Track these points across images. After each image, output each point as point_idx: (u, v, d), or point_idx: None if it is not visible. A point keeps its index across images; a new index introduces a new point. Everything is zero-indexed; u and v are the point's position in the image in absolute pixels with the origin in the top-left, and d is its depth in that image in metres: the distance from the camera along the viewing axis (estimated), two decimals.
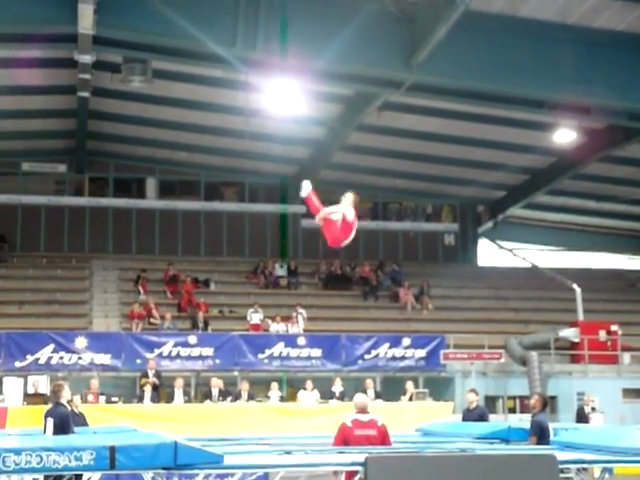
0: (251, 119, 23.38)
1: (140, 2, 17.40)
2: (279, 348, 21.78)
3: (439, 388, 21.78)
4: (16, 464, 7.21)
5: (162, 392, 19.92)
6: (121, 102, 24.50)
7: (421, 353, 22.27)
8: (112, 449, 7.45)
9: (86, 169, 29.26)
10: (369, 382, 20.34)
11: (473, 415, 14.11)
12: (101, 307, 25.39)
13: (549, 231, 34.46)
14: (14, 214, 28.54)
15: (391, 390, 21.18)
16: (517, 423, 13.54)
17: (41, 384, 18.96)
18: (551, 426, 11.23)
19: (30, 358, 20.25)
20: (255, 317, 24.08)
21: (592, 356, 23.93)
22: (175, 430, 11.85)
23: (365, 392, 16.48)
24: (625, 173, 26.99)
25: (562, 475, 9.50)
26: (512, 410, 22.68)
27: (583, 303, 25.81)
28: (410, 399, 20.15)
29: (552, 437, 10.77)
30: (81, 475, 9.22)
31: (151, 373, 19.62)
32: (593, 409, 18.81)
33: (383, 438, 9.74)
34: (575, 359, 24.61)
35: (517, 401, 22.89)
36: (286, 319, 23.97)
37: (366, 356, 22.19)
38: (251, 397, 19.46)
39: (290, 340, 22.08)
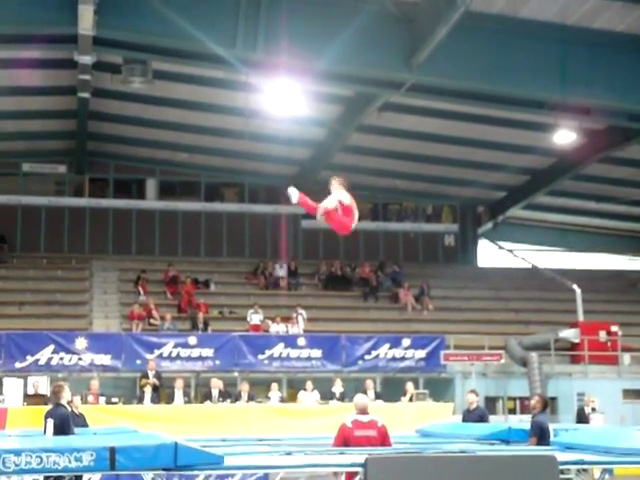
0: (251, 120, 23.38)
1: (140, 3, 17.39)
2: (279, 349, 21.80)
3: (439, 389, 21.78)
4: (16, 465, 7.21)
5: (162, 393, 19.92)
6: (121, 103, 24.50)
7: (421, 354, 22.29)
8: (112, 450, 7.45)
9: (86, 170, 29.26)
10: (369, 383, 20.35)
11: (473, 416, 14.11)
12: (101, 308, 25.40)
13: (549, 232, 34.46)
14: (14, 215, 28.55)
15: (391, 391, 21.18)
16: (517, 424, 13.52)
17: (41, 385, 18.98)
18: (551, 427, 11.25)
19: (30, 359, 20.28)
20: (255, 318, 24.09)
21: (592, 357, 23.94)
22: (175, 431, 11.85)
23: (365, 393, 16.46)
24: (625, 174, 26.99)
25: (562, 476, 9.51)
26: (512, 411, 22.68)
27: (583, 304, 25.81)
28: (410, 400, 20.16)
29: (552, 438, 10.78)
30: (81, 476, 9.20)
31: (151, 374, 19.63)
32: (593, 410, 18.79)
33: (383, 439, 9.73)
34: (575, 360, 24.61)
35: (517, 402, 22.89)
36: (286, 320, 23.98)
37: (366, 357, 22.21)
38: (251, 398, 19.46)
39: (290, 341, 22.09)
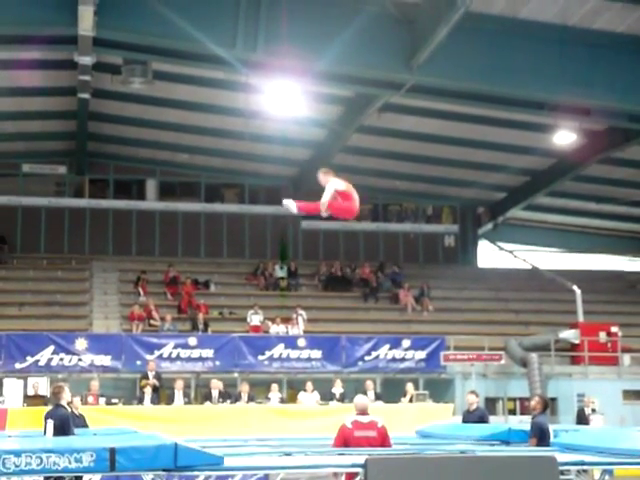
0: (251, 121, 23.39)
1: (140, 4, 17.39)
2: (279, 350, 21.79)
3: (439, 390, 21.78)
4: (16, 466, 7.21)
5: (162, 394, 19.92)
6: (121, 104, 24.50)
7: (421, 355, 22.29)
8: (112, 451, 7.44)
9: (86, 170, 29.26)
10: (369, 383, 20.35)
11: (473, 417, 14.11)
12: (101, 309, 25.40)
13: (549, 233, 34.46)
14: (14, 215, 28.56)
15: (391, 392, 21.19)
16: (517, 425, 13.51)
17: (41, 386, 18.98)
18: (551, 428, 11.24)
19: (30, 360, 20.28)
20: (255, 319, 24.09)
21: (592, 358, 23.94)
22: (175, 432, 11.85)
23: (365, 394, 16.45)
24: (625, 175, 26.98)
25: (562, 477, 9.50)
26: (512, 412, 22.68)
27: (583, 305, 25.81)
28: (410, 401, 20.16)
29: (552, 439, 10.77)
30: (81, 477, 9.20)
31: (151, 375, 19.63)
32: (593, 411, 18.79)
33: (383, 440, 9.74)
34: (575, 361, 24.62)
35: (517, 403, 22.89)
36: (286, 320, 23.98)
37: (366, 357, 22.20)
38: (251, 399, 19.46)
39: (290, 341, 22.09)
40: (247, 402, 19.30)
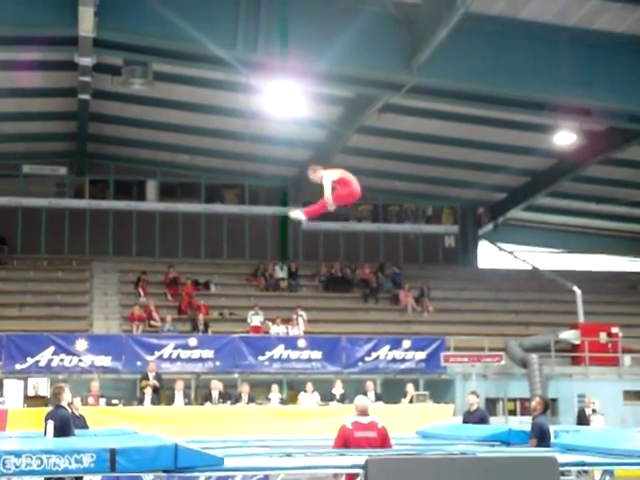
0: (251, 121, 23.40)
1: (140, 5, 17.39)
2: (279, 350, 21.79)
3: (439, 390, 21.78)
4: (16, 467, 7.20)
5: (162, 394, 19.92)
6: (121, 105, 24.51)
7: (421, 355, 22.29)
8: (112, 451, 7.43)
9: (86, 171, 29.27)
10: (369, 384, 20.36)
11: (473, 417, 14.10)
12: (101, 309, 25.40)
13: (549, 233, 34.46)
14: (15, 216, 28.56)
15: (391, 392, 21.19)
16: (518, 425, 13.50)
17: (41, 386, 18.98)
18: (552, 428, 11.23)
19: (30, 360, 20.28)
20: (255, 319, 24.08)
21: (593, 358, 23.93)
22: (175, 432, 11.83)
23: (365, 394, 16.45)
24: (625, 175, 26.99)
25: (563, 478, 9.49)
26: (513, 412, 22.67)
27: (583, 305, 25.80)
28: (410, 401, 20.17)
29: (553, 439, 10.76)
30: (81, 478, 9.20)
31: (151, 375, 19.64)
32: (594, 411, 18.80)
33: (383, 440, 9.73)
34: (576, 361, 24.61)
35: (518, 403, 22.88)
36: (286, 321, 23.97)
37: (366, 358, 22.20)
38: (251, 399, 19.47)
39: (290, 342, 22.09)
40: (247, 403, 19.31)
